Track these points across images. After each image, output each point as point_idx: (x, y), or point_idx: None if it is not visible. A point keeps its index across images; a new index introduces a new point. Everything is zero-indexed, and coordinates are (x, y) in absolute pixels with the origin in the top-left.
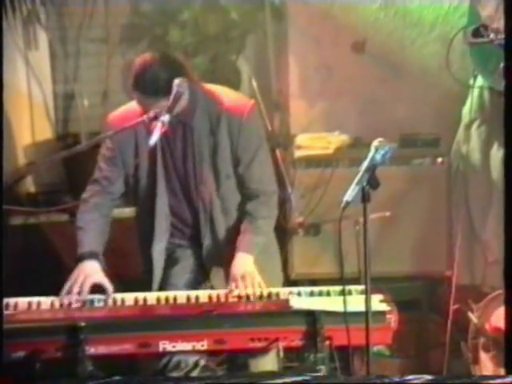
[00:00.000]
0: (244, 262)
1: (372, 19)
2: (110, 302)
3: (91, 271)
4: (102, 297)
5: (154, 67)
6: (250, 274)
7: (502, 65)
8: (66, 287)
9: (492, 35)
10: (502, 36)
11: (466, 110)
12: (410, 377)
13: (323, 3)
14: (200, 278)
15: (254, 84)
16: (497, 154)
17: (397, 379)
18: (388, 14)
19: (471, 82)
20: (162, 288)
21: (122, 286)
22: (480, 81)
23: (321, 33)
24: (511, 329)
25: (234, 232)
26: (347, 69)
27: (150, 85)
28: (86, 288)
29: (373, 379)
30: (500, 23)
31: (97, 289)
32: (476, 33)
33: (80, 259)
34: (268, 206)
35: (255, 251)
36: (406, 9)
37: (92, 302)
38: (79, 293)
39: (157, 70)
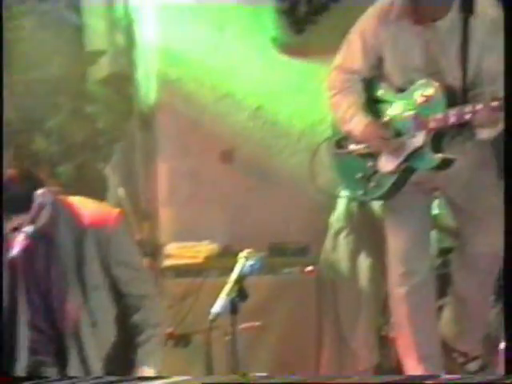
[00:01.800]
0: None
1: (240, 129)
2: None
3: None
4: None
5: (12, 184)
6: None
7: (360, 175)
8: None
9: (351, 146)
10: (361, 145)
11: (333, 218)
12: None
13: (192, 112)
14: None
15: (122, 193)
16: (364, 262)
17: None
18: (257, 124)
19: (338, 192)
20: None
21: None
22: (346, 191)
23: (190, 141)
24: (511, 328)
25: (112, 347)
26: (216, 177)
27: (9, 203)
28: None
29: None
30: (351, 125)
31: None
32: (339, 144)
33: None
34: (154, 311)
35: (156, 364)
36: (275, 119)
37: None
38: None
39: (16, 187)
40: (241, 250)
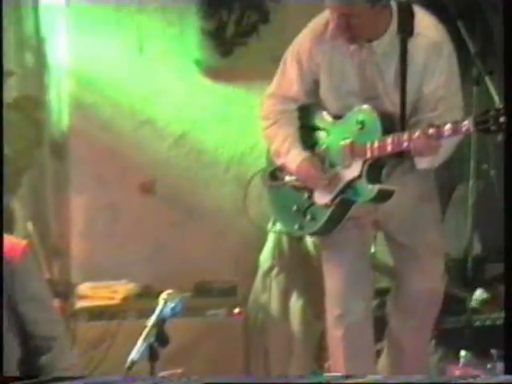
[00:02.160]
0: None
1: (162, 158)
2: None
3: None
4: None
5: None
6: None
7: (295, 207)
8: None
9: (287, 177)
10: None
11: (264, 256)
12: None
13: (109, 140)
14: None
15: (30, 227)
16: (297, 303)
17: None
18: (180, 153)
19: (270, 226)
20: None
21: None
22: (279, 226)
23: (106, 171)
24: (511, 327)
25: None
26: (135, 211)
27: None
28: None
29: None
30: (287, 159)
31: None
32: (273, 175)
33: None
34: (64, 354)
35: None
36: (200, 148)
37: None
38: None
39: None
40: (162, 291)
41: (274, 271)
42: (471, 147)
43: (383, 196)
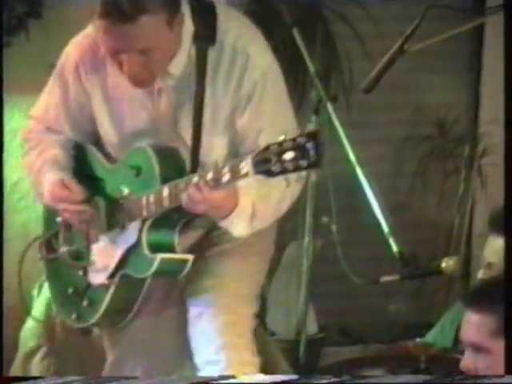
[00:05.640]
0: None
1: None
2: None
3: None
4: None
5: None
6: None
7: (71, 289)
8: None
9: (62, 248)
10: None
11: (24, 335)
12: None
13: None
14: None
15: None
16: None
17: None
18: None
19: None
20: None
21: None
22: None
23: None
24: (511, 328)
25: None
26: None
27: None
28: None
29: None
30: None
31: None
32: (49, 244)
33: None
34: None
35: None
36: None
37: None
38: None
39: None
40: None
41: (39, 354)
42: (308, 193)
43: (172, 268)
